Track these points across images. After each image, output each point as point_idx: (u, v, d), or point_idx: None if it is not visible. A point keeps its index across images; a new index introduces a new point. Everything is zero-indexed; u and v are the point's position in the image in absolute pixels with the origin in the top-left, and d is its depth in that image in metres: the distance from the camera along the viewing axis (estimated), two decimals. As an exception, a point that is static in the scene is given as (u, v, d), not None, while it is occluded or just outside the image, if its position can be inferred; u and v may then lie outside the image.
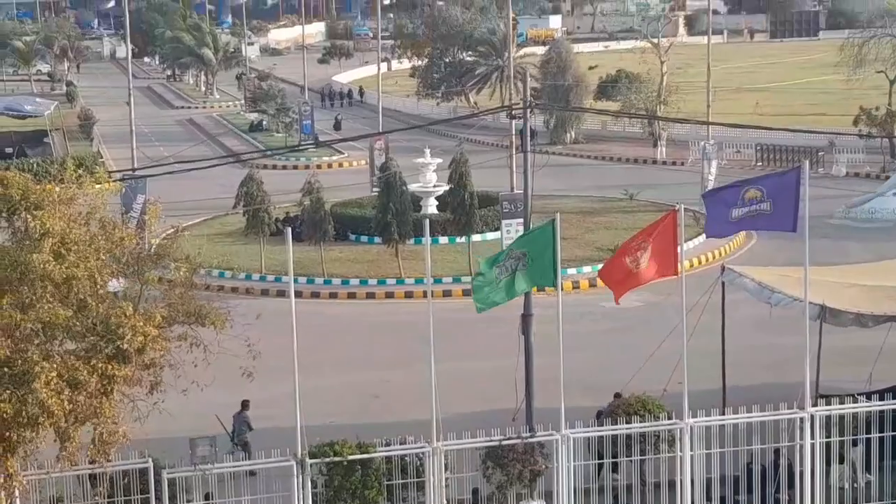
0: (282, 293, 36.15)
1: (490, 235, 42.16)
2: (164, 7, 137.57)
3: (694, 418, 20.81)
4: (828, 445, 21.14)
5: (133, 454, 19.08)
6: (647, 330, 30.44)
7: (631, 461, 20.91)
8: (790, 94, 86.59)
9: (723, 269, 25.86)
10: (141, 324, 17.05)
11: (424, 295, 24.18)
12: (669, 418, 21.05)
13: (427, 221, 21.69)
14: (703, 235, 42.27)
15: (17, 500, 17.87)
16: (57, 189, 18.30)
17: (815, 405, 21.17)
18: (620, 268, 21.28)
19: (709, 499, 20.96)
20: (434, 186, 45.45)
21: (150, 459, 19.42)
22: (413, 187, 43.22)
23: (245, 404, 24.23)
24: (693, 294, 22.20)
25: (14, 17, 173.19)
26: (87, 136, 75.80)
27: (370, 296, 38.34)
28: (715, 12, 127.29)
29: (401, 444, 20.31)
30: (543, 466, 20.48)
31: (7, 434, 16.37)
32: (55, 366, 16.50)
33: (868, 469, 21.94)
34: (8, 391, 16.19)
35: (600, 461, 21.25)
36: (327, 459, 19.84)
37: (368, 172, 51.49)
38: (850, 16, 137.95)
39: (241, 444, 23.62)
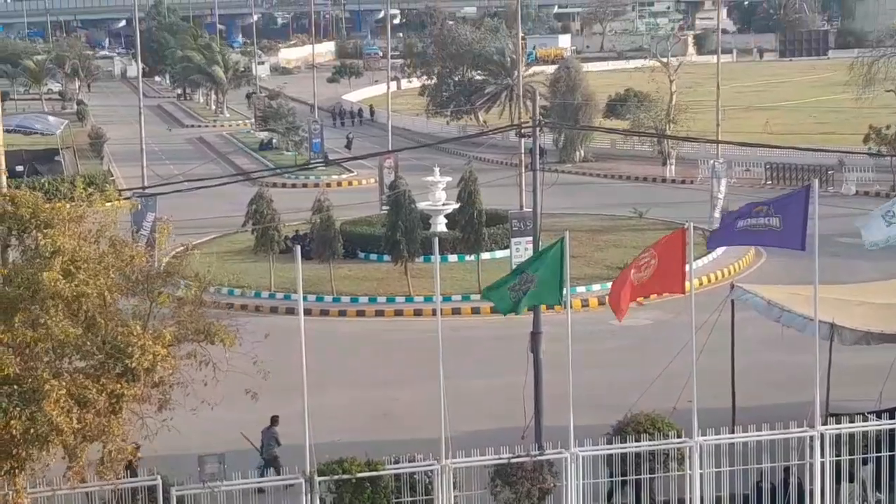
0: (291, 311, 36.13)
1: (499, 253, 42.18)
2: (175, 26, 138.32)
3: (704, 436, 20.75)
4: (838, 464, 21.07)
5: (142, 471, 19.09)
6: (656, 348, 30.40)
7: (640, 479, 20.85)
8: (800, 113, 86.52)
9: (732, 287, 25.82)
10: (150, 343, 17.07)
11: (433, 313, 24.14)
12: (679, 436, 21.01)
13: (436, 239, 21.72)
14: (712, 254, 42.31)
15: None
16: (67, 207, 18.35)
17: (824, 423, 21.11)
18: (626, 285, 21.25)
19: (718, 517, 20.90)
20: (443, 204, 45.49)
21: (158, 477, 19.41)
22: (422, 205, 43.25)
23: (274, 420, 24.21)
24: (702, 312, 22.16)
25: (25, 37, 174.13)
26: (97, 155, 76.09)
27: (379, 313, 38.35)
28: (724, 31, 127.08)
29: (410, 461, 20.28)
30: (552, 485, 20.42)
31: (16, 451, 16.36)
32: (64, 384, 16.52)
33: (878, 488, 21.83)
34: (18, 409, 16.21)
35: (611, 479, 21.19)
36: (336, 477, 19.82)
37: (378, 191, 51.55)
38: (859, 35, 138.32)
39: (270, 459, 23.60)
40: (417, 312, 37.81)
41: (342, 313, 38.39)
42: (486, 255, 41.18)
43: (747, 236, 21.76)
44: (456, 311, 37.22)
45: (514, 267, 35.36)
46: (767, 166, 61.74)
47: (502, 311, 21.57)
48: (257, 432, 24.27)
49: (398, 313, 38.22)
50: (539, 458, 20.47)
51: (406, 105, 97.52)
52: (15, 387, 16.33)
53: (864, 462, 21.57)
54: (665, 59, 73.48)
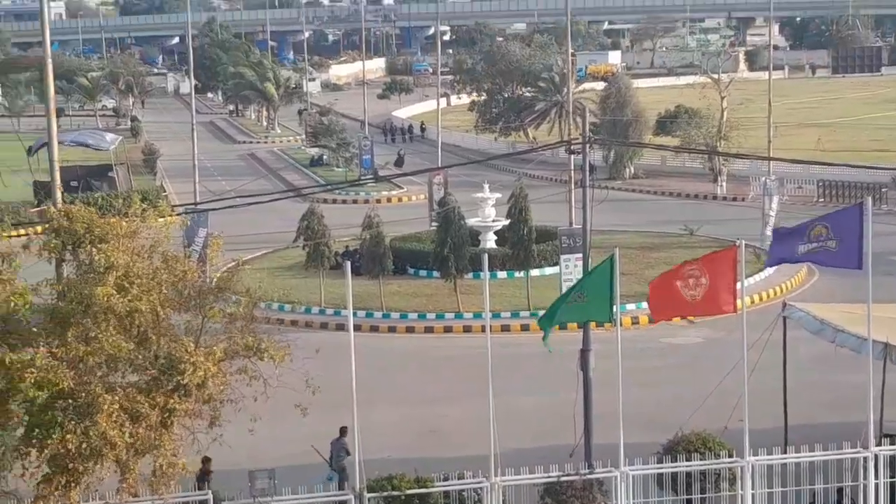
0: (341, 326, 36.26)
1: (549, 270, 42.05)
2: (228, 43, 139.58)
3: (755, 456, 20.55)
4: (892, 485, 20.78)
5: (192, 486, 19.18)
6: (707, 366, 30.16)
7: (691, 499, 20.66)
8: (853, 130, 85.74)
9: (784, 305, 25.56)
10: (202, 360, 17.16)
11: (483, 329, 24.11)
12: (730, 456, 20.81)
13: (486, 256, 21.70)
14: (764, 272, 42.01)
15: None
16: (121, 223, 18.50)
17: (878, 444, 20.84)
18: (672, 292, 21.03)
19: (770, 538, 20.68)
20: (493, 221, 45.45)
21: (210, 492, 19.49)
22: (471, 222, 43.23)
23: (343, 431, 24.28)
24: (754, 331, 21.97)
25: (80, 54, 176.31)
26: (150, 171, 76.86)
27: (428, 330, 38.36)
28: (776, 48, 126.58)
29: (459, 478, 20.24)
30: None
31: (71, 465, 16.49)
32: (117, 398, 16.64)
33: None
34: (73, 423, 16.34)
35: (660, 499, 21.03)
36: (386, 493, 19.82)
37: (427, 207, 51.63)
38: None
39: (340, 469, 23.67)
40: (467, 329, 37.79)
41: (392, 329, 38.43)
42: (535, 272, 41.04)
43: (806, 257, 21.58)
44: (505, 328, 37.16)
45: (563, 283, 35.42)
46: (820, 184, 61.20)
47: (546, 339, 21.43)
48: (305, 447, 24.34)
49: (447, 330, 38.20)
50: (589, 476, 20.36)
51: (455, 121, 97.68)
52: (70, 401, 16.47)
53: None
54: (716, 76, 73.07)
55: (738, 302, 21.22)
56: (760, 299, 39.85)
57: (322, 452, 23.97)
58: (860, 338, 22.12)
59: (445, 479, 20.20)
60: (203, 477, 21.31)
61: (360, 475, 19.80)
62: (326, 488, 20.78)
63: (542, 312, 23.10)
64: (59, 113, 70.02)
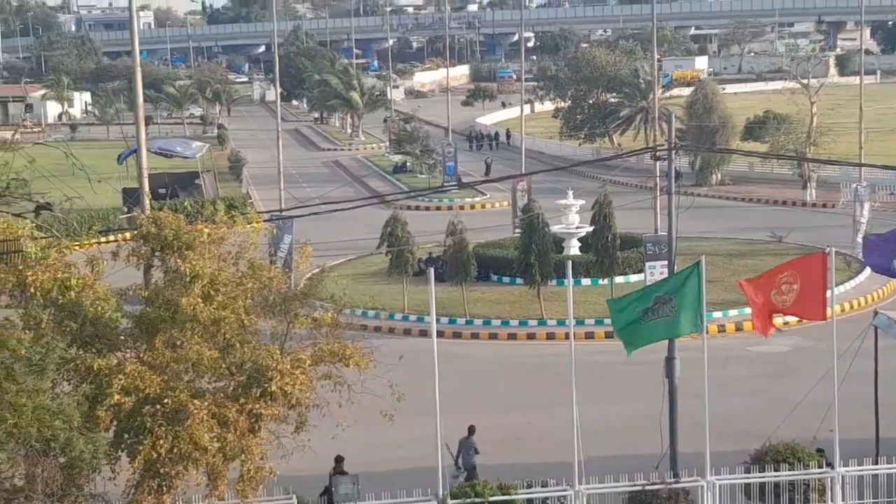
0: (424, 333, 36.35)
1: (633, 277, 41.80)
2: (313, 52, 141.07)
3: (846, 467, 20.24)
4: None
5: (278, 490, 19.36)
6: (796, 375, 29.81)
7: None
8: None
9: (875, 313, 25.16)
10: (289, 367, 17.32)
11: (566, 336, 24.03)
12: (820, 467, 20.51)
13: (570, 263, 21.68)
14: (855, 279, 41.38)
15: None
16: (207, 230, 18.72)
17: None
18: (766, 300, 20.79)
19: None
20: (577, 227, 45.33)
21: (294, 496, 19.67)
22: (555, 228, 43.15)
23: (471, 430, 24.46)
24: (844, 340, 21.63)
25: (168, 63, 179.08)
26: (236, 178, 77.82)
27: (512, 336, 38.34)
28: (867, 52, 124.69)
29: (542, 486, 20.19)
30: (688, 513, 20.14)
31: (163, 470, 16.72)
32: (206, 404, 16.86)
33: None
34: (162, 428, 16.59)
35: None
36: (469, 501, 19.85)
37: (511, 213, 51.61)
38: None
39: (470, 468, 23.80)
40: (550, 336, 37.70)
41: (475, 336, 38.47)
42: (619, 279, 40.87)
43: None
44: (589, 336, 37.00)
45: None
46: (912, 190, 60.26)
47: (629, 349, 21.23)
48: (390, 454, 24.46)
49: (530, 336, 38.15)
50: (675, 486, 20.20)
51: (539, 128, 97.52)
52: (157, 406, 16.72)
53: None
54: (806, 81, 72.07)
55: (829, 310, 20.93)
56: (851, 307, 39.22)
57: (451, 450, 24.09)
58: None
59: (529, 487, 20.18)
60: (335, 475, 21.50)
61: (444, 482, 19.83)
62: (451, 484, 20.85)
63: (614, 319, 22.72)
64: (148, 121, 71.11)
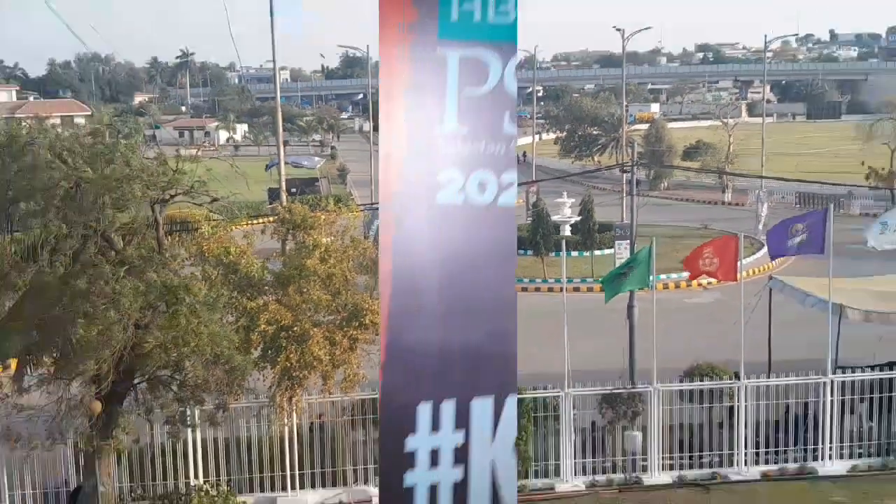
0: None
1: (607, 251, 41.54)
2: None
3: (748, 379, 20.08)
4: (842, 403, 20.05)
5: (367, 389, 19.48)
6: (716, 319, 29.48)
7: (702, 408, 20.25)
8: (821, 158, 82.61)
9: (770, 278, 24.87)
10: (376, 307, 17.35)
11: (561, 290, 23.95)
12: (730, 379, 20.35)
13: (564, 241, 21.51)
14: (756, 254, 40.81)
15: (295, 416, 18.46)
16: (323, 216, 18.84)
17: (833, 373, 20.10)
18: (697, 263, 20.70)
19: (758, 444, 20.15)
20: (569, 217, 44.89)
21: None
22: (555, 218, 42.58)
23: None
24: (748, 296, 21.40)
25: (299, 105, 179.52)
26: (343, 181, 77.86)
27: (524, 290, 38.21)
28: (768, 101, 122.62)
29: (543, 389, 20.17)
30: (641, 409, 20.05)
31: (294, 374, 16.94)
32: (321, 331, 16.99)
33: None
34: (293, 346, 16.76)
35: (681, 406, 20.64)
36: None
37: (525, 208, 51.38)
38: (864, 104, 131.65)
39: None
40: (550, 290, 37.56)
41: (500, 289, 38.32)
42: (597, 252, 40.65)
43: (793, 249, 20.97)
44: (576, 290, 36.85)
45: (616, 260, 34.93)
46: (797, 195, 59.43)
47: (607, 298, 21.16)
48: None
49: (537, 290, 38.02)
50: (633, 390, 20.12)
51: (545, 151, 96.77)
52: (290, 332, 16.87)
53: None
54: (726, 120, 71.26)
55: (738, 275, 20.72)
56: (753, 273, 38.73)
57: None
58: (823, 300, 21.41)
59: (534, 389, 20.15)
60: None
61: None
62: None
63: (601, 277, 22.67)
64: (285, 144, 71.71)
